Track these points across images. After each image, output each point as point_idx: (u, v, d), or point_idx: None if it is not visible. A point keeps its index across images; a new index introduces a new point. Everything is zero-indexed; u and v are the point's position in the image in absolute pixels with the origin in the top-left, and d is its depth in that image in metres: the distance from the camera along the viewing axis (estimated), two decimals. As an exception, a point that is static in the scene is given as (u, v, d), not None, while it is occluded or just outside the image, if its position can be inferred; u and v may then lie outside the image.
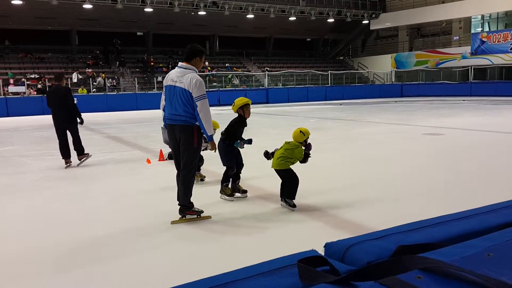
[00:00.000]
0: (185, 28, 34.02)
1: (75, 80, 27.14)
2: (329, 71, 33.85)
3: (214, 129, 5.95)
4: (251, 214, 4.77)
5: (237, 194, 5.44)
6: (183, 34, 34.43)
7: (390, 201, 5.19)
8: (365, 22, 38.08)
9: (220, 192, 5.37)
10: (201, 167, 6.52)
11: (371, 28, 38.92)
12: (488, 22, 34.86)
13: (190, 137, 4.37)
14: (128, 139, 11.99)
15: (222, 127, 5.62)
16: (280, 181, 4.94)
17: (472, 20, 34.79)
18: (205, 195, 5.41)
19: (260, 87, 31.42)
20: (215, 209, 4.86)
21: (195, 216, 4.51)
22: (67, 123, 7.89)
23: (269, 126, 14.59)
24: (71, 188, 6.44)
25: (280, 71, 33.99)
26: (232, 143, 5.25)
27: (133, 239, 4.08)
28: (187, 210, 4.47)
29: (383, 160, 7.93)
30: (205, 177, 6.54)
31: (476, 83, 31.30)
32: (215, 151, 4.96)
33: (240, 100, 5.28)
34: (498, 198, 1.61)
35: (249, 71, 34.06)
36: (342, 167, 7.50)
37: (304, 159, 4.77)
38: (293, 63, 38.18)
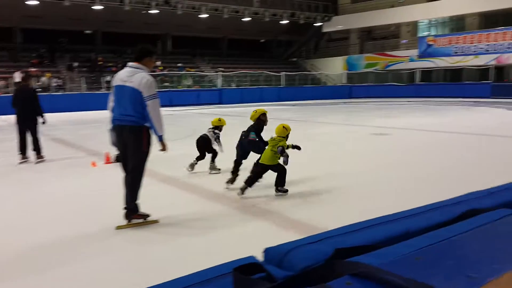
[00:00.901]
0: (136, 27, 33.24)
1: (17, 79, 25.83)
2: (282, 72, 34.18)
3: (222, 126, 6.91)
4: (200, 216, 4.72)
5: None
6: (134, 32, 33.62)
7: (340, 200, 5.29)
8: (318, 24, 38.76)
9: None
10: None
11: (324, 30, 39.66)
12: (435, 26, 36.43)
13: (139, 139, 4.26)
14: (73, 141, 11.53)
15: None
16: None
17: (419, 24, 36.23)
18: (153, 197, 5.28)
19: (213, 88, 31.24)
20: (163, 211, 4.75)
21: (142, 220, 4.38)
22: (30, 123, 8.20)
23: (224, 128, 14.51)
24: (11, 192, 6.10)
25: (234, 71, 33.96)
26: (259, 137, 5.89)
27: (76, 245, 3.91)
28: (133, 214, 4.35)
29: (334, 160, 8.07)
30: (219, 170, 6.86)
31: (422, 85, 32.63)
32: (165, 151, 4.88)
33: (261, 109, 6.14)
34: (440, 196, 1.65)
35: (203, 72, 33.80)
36: (294, 167, 7.55)
37: (283, 152, 5.19)
38: (247, 63, 38.20)
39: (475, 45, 30.72)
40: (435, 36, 34.23)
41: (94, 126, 15.51)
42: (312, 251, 1.03)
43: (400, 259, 0.92)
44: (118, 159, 6.85)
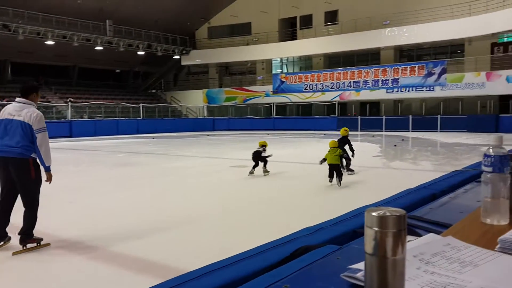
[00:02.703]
0: (-32, 51, 29.18)
1: None
2: (141, 104, 33.01)
3: (264, 146, 9.67)
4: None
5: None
6: (-36, 57, 29.43)
7: (197, 238, 4.86)
8: (176, 57, 38.73)
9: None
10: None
11: (182, 63, 39.84)
12: (286, 65, 39.19)
13: (27, 170, 4.41)
14: None
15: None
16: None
17: (273, 62, 38.68)
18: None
19: (62, 119, 28.58)
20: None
21: (36, 244, 4.50)
22: None
23: (71, 163, 13.01)
24: None
25: (86, 102, 31.66)
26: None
27: None
28: (29, 239, 4.45)
29: (189, 195, 7.58)
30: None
31: (278, 118, 34.55)
32: (50, 182, 4.74)
33: (347, 129, 9.74)
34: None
35: (49, 102, 30.80)
36: (146, 204, 6.83)
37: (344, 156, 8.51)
38: (101, 94, 36.10)
39: (321, 83, 33.64)
40: (287, 73, 36.76)
41: None
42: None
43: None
44: None
